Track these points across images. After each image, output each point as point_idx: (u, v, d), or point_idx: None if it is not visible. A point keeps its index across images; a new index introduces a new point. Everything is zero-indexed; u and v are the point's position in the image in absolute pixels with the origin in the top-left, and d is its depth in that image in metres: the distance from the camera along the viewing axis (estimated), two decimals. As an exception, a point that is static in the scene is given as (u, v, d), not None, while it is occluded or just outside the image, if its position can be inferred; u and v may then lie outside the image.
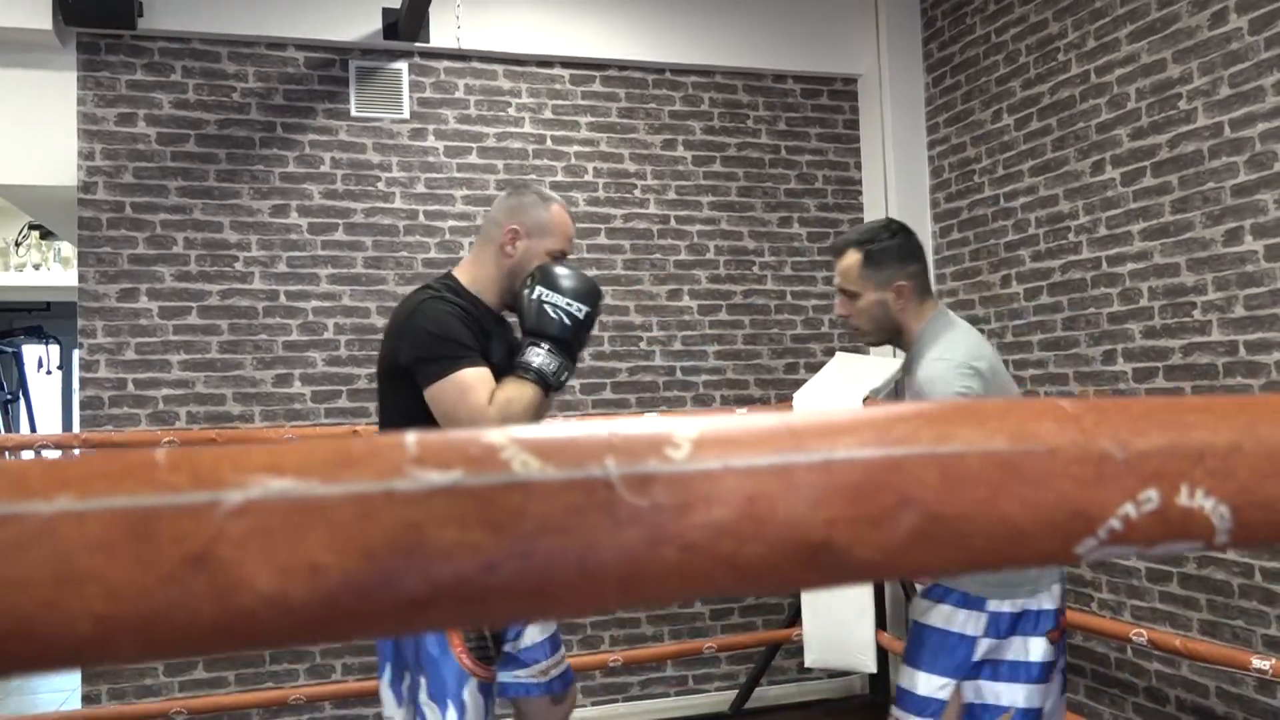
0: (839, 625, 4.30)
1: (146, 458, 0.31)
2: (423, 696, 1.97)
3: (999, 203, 4.48)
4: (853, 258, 2.18)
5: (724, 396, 4.86)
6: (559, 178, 4.72)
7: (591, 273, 4.72)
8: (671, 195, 4.87)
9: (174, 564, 0.28)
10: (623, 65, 4.82)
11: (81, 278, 4.15)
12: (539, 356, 1.89)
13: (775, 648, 4.57)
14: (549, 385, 1.90)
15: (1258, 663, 2.66)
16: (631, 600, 0.33)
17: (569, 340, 1.91)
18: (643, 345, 4.79)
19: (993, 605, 2.02)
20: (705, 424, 0.35)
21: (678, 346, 4.84)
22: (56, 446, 4.21)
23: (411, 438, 0.33)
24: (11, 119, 4.11)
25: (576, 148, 4.76)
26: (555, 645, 2.43)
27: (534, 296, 1.93)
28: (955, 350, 2.08)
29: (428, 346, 1.93)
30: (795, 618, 4.55)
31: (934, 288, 2.26)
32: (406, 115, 4.54)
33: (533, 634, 2.37)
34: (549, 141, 4.73)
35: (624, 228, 4.80)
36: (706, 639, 4.54)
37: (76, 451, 4.03)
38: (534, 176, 4.68)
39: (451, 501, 0.31)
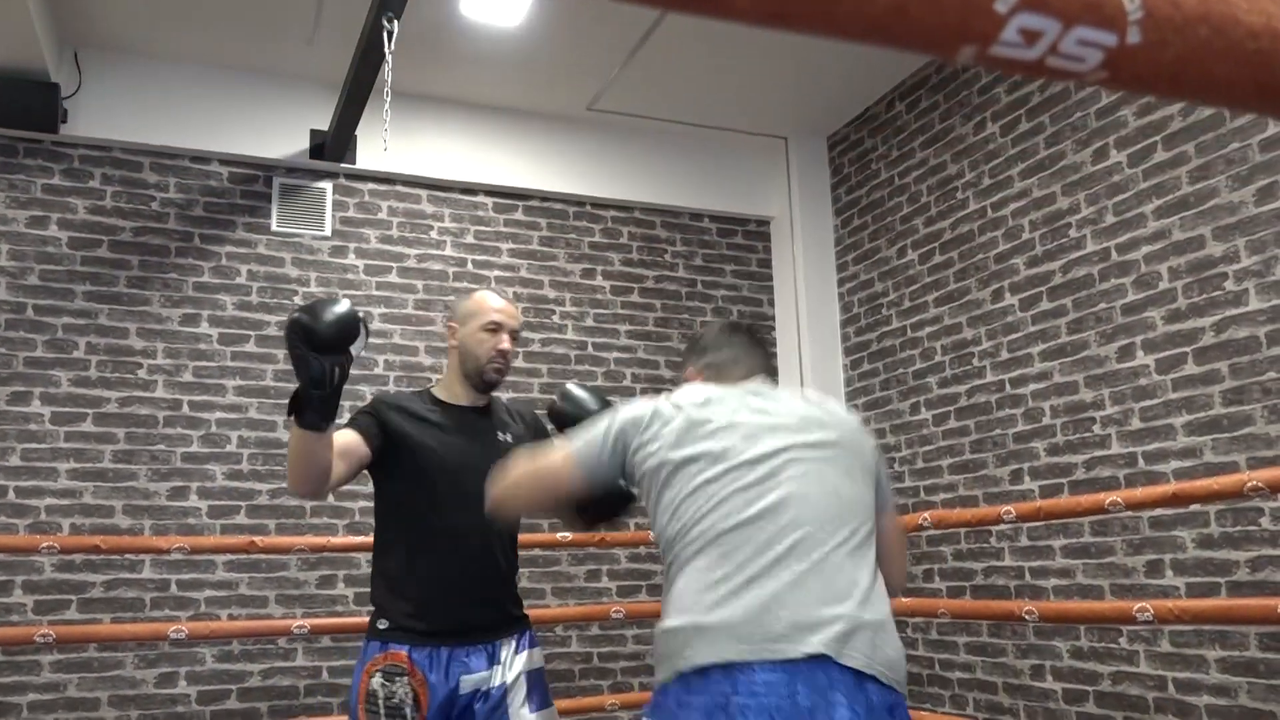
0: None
1: None
2: None
3: (906, 333, 4.64)
4: None
5: (638, 523, 4.78)
6: (478, 300, 4.75)
7: (508, 395, 4.69)
8: (590, 323, 4.94)
9: None
10: (545, 196, 4.97)
11: (-29, 378, 3.98)
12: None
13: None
14: (304, 425, 2.02)
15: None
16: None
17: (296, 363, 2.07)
18: (557, 470, 4.72)
19: None
20: None
21: (593, 472, 4.77)
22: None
23: None
24: (-84, 216, 4.02)
25: (497, 272, 4.83)
26: None
27: None
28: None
29: None
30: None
31: (750, 377, 1.92)
32: (328, 233, 4.57)
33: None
34: (470, 265, 4.79)
35: (542, 352, 4.82)
36: (617, 778, 4.29)
37: (-56, 559, 3.75)
38: (453, 298, 4.70)
39: None
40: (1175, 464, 3.35)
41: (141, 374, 4.19)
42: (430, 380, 4.58)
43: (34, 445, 4.00)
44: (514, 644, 2.29)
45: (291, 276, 4.48)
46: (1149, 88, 0.45)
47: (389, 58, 3.55)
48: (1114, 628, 3.47)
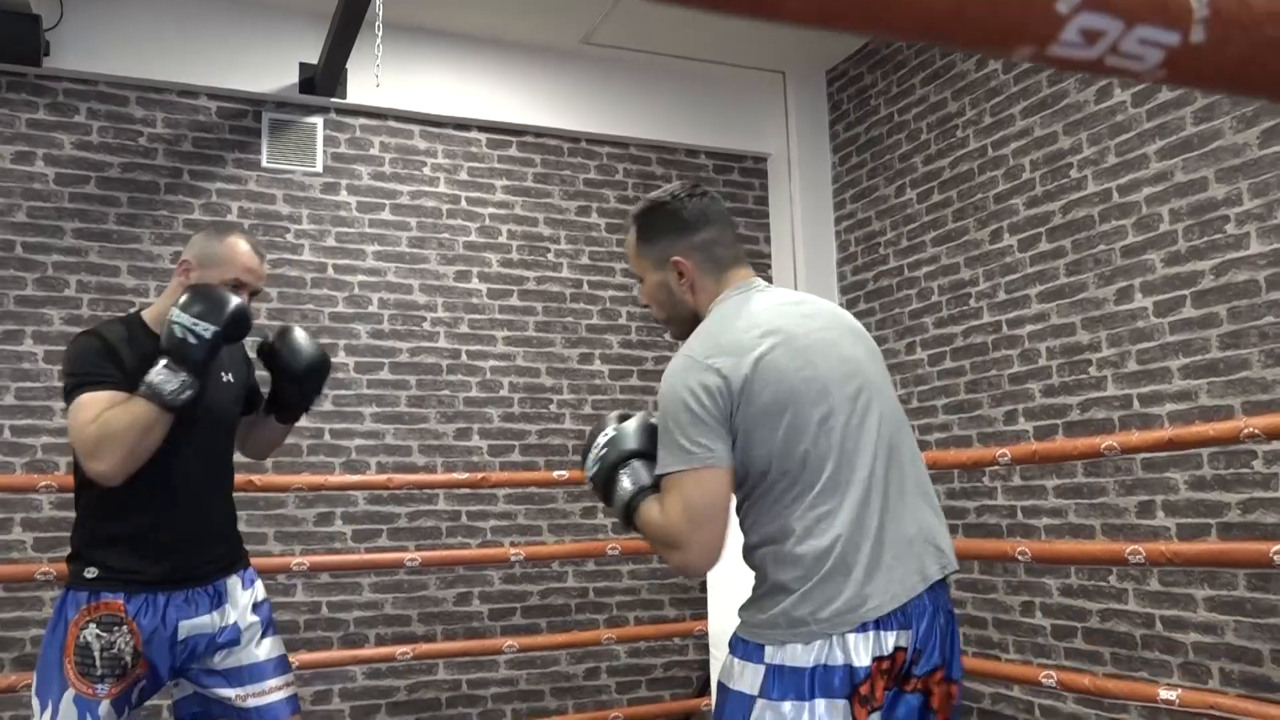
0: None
1: None
2: (32, 691, 2.10)
3: (903, 273, 4.62)
4: (631, 234, 1.82)
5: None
6: (473, 238, 4.71)
7: (503, 334, 4.69)
8: (585, 260, 4.90)
9: None
10: (539, 132, 4.90)
11: (-38, 317, 3.94)
12: (158, 374, 1.97)
13: (683, 720, 4.43)
14: (163, 402, 1.97)
15: (1164, 693, 2.67)
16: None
17: (191, 358, 1.98)
18: (553, 408, 4.73)
19: (770, 655, 1.57)
20: None
21: (588, 410, 4.79)
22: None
23: None
24: (-101, 151, 3.95)
25: (491, 209, 4.77)
26: (282, 668, 2.27)
27: (170, 317, 2.03)
28: (700, 341, 1.67)
29: (64, 375, 2.09)
30: (704, 689, 4.42)
31: (741, 263, 1.81)
32: (319, 169, 4.50)
33: (253, 653, 2.22)
34: (463, 202, 4.73)
35: (537, 290, 4.79)
36: (613, 710, 4.37)
37: (-59, 498, 3.75)
38: (447, 235, 4.66)
39: None
40: (1170, 406, 3.36)
41: (133, 311, 4.15)
42: (422, 319, 4.56)
43: (28, 384, 3.98)
44: (240, 580, 2.25)
45: (283, 214, 4.42)
46: (1207, 85, 0.43)
47: (380, -10, 3.47)
48: (1105, 567, 3.52)
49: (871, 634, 1.54)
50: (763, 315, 1.67)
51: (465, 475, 4.21)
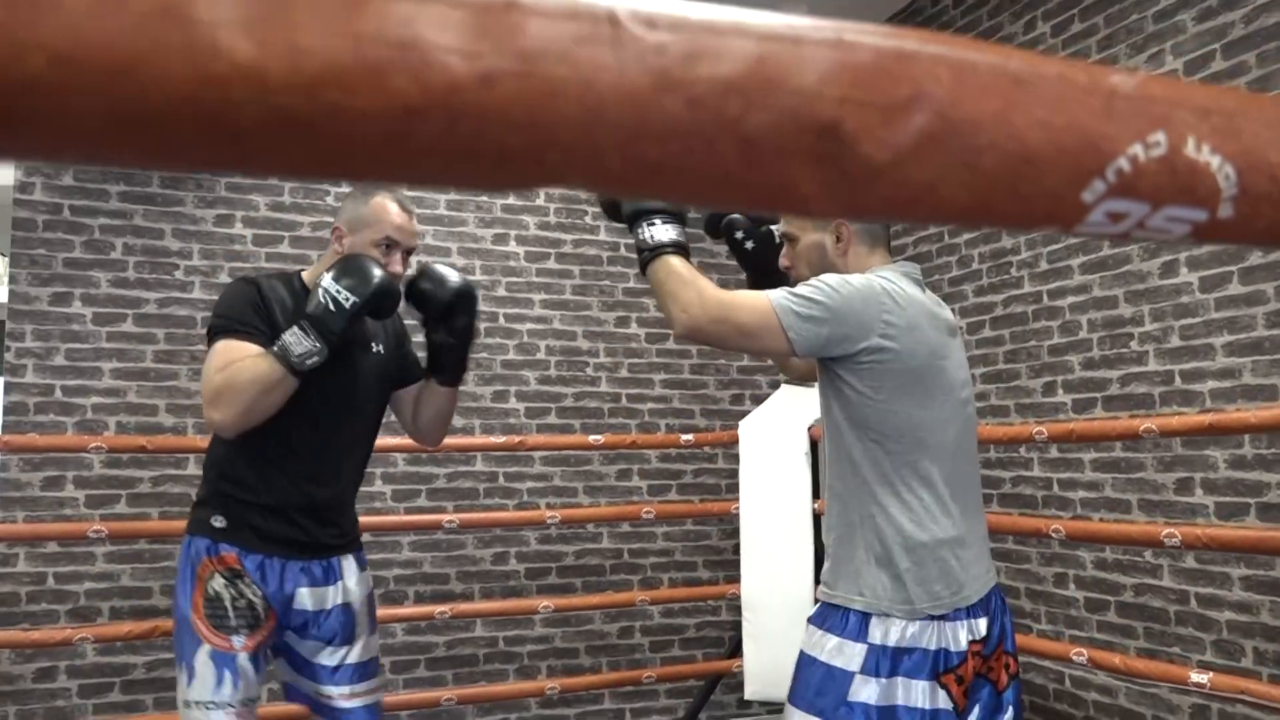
0: (779, 658, 4.25)
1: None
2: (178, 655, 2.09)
3: (943, 239, 4.57)
4: None
5: (669, 425, 4.84)
6: (510, 200, 4.72)
7: (539, 297, 4.72)
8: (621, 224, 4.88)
9: (144, 12, 0.26)
10: (578, 93, 4.86)
11: (13, 279, 4.02)
12: (291, 335, 1.95)
13: (715, 680, 4.50)
14: (290, 363, 1.93)
15: (1196, 676, 2.68)
16: (631, 165, 0.31)
17: (326, 322, 1.94)
18: (589, 371, 4.77)
19: (875, 634, 1.68)
20: None
21: (624, 373, 4.82)
22: (-24, 449, 4.02)
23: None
24: (-51, 115, 4.01)
25: (529, 172, 4.77)
26: (372, 673, 2.24)
27: (319, 282, 2.02)
28: (878, 277, 1.77)
29: (213, 318, 2.10)
30: (736, 650, 4.49)
31: (890, 246, 2.00)
32: (359, 131, 4.51)
33: (350, 653, 2.19)
34: (502, 164, 4.73)
35: (574, 253, 4.80)
36: (646, 669, 4.46)
37: (-3, 456, 3.87)
38: (484, 198, 4.67)
39: (447, 7, 0.29)
40: (1213, 384, 3.32)
41: (179, 275, 4.22)
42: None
43: (78, 345, 4.07)
44: (354, 562, 2.22)
45: (323, 176, 4.45)
46: (1235, 244, 0.44)
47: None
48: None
49: (966, 620, 1.70)
50: (916, 295, 1.80)
51: (502, 438, 4.26)
